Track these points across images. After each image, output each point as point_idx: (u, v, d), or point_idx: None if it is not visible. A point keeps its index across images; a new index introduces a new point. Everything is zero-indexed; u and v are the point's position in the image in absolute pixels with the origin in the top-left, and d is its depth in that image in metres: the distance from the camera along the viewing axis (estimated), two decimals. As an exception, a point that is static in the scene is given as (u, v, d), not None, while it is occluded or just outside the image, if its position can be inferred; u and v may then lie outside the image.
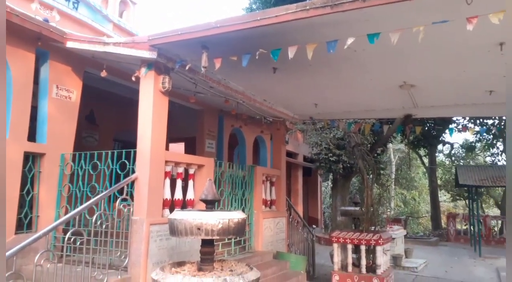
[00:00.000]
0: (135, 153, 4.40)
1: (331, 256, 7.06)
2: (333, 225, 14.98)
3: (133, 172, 4.32)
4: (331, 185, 17.17)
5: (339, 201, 15.02)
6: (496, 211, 22.64)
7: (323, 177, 19.35)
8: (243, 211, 6.07)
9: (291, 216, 8.53)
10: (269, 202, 7.00)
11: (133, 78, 4.49)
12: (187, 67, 4.30)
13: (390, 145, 23.40)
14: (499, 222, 17.47)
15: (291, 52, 3.57)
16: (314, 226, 12.24)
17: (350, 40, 3.31)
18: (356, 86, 5.71)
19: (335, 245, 6.63)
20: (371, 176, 8.03)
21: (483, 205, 23.15)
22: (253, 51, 3.68)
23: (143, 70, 4.42)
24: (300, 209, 15.53)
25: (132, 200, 4.29)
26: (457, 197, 23.98)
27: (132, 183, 4.29)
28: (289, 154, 14.54)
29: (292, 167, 15.76)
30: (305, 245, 8.77)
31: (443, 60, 4.47)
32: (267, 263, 5.87)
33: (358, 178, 19.96)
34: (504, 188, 20.62)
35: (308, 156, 15.92)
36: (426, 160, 24.49)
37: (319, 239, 14.41)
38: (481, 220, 16.18)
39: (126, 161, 4.42)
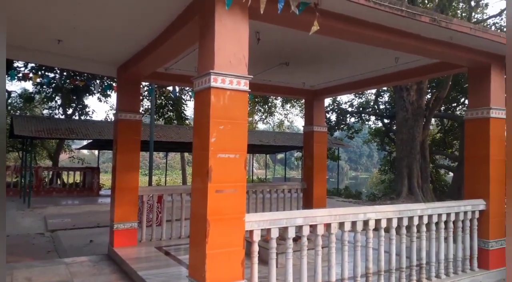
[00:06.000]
0: None
1: None
2: None
3: None
4: None
5: None
6: (48, 162, 23.47)
7: None
8: None
9: None
10: None
11: None
12: None
13: None
14: (51, 172, 18.21)
15: None
16: None
17: None
18: None
19: None
20: None
21: (37, 157, 23.32)
22: None
23: None
24: None
25: None
26: (10, 149, 22.78)
27: None
28: None
29: None
30: None
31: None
32: None
33: None
34: (58, 141, 21.67)
35: None
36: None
37: None
38: (33, 172, 16.23)
39: None
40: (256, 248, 3.47)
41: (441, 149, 21.05)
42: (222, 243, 3.19)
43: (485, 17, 16.72)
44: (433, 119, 19.38)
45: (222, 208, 3.21)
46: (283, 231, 3.64)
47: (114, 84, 11.82)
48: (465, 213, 5.00)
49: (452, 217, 4.90)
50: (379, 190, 25.93)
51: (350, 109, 23.65)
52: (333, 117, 23.96)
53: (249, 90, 3.41)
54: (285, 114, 31.90)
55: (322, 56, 5.78)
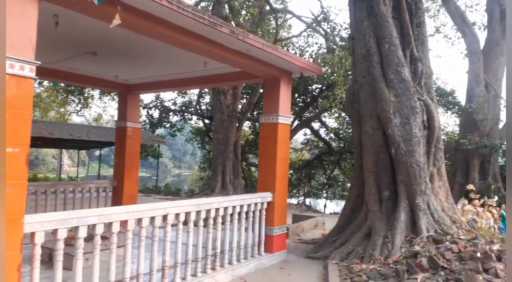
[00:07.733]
0: None
1: None
2: None
3: None
4: None
5: None
6: None
7: None
8: None
9: None
10: None
11: None
12: None
13: None
14: None
15: None
16: None
17: None
18: None
19: None
20: None
21: None
22: None
23: None
24: None
25: None
26: None
27: None
28: None
29: None
30: None
31: None
32: None
33: None
34: None
35: None
36: None
37: None
38: None
39: None
40: (37, 251, 3.16)
41: (253, 149, 23.38)
42: (-10, 249, 2.79)
43: (290, 35, 19.43)
44: (246, 121, 21.35)
45: (-8, 209, 2.81)
46: (75, 230, 3.43)
47: None
48: (256, 204, 5.72)
49: (245, 208, 5.53)
50: (198, 186, 26.96)
51: (173, 107, 23.82)
52: (155, 114, 23.69)
53: (35, 77, 3.09)
54: (103, 107, 29.72)
55: (132, 50, 5.67)
